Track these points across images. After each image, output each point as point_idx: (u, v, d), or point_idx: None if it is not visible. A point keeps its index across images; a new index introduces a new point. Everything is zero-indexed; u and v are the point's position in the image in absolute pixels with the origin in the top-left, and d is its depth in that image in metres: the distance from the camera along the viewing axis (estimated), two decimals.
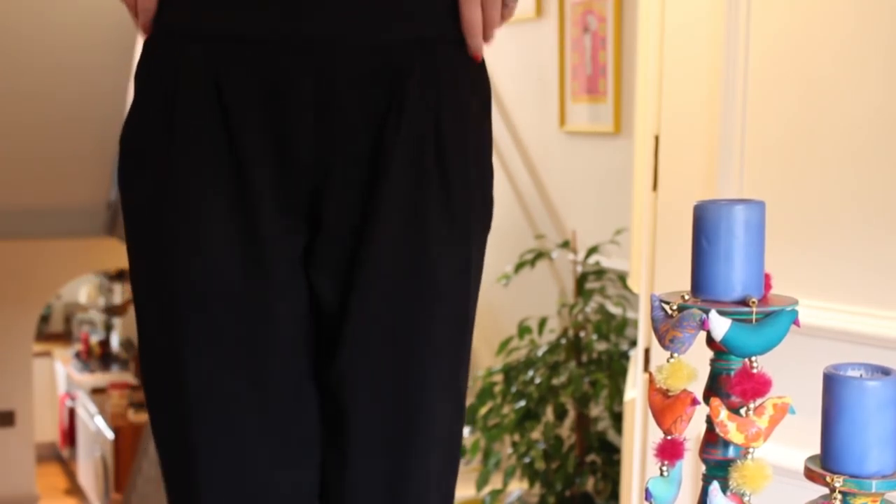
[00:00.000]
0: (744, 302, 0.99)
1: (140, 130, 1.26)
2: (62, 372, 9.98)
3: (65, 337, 10.74)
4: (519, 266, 3.50)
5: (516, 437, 3.32)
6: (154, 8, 1.25)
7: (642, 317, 2.32)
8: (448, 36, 1.28)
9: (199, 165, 1.22)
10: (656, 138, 2.20)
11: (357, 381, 1.26)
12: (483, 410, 3.38)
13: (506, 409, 3.37)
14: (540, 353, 3.37)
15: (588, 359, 3.30)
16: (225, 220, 1.22)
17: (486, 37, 1.29)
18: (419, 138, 1.24)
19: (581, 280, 3.40)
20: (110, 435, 8.33)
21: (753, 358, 0.97)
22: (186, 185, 1.22)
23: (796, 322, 0.99)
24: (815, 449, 0.98)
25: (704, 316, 0.97)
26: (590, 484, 3.30)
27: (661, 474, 1.01)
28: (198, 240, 1.22)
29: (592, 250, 3.39)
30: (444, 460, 1.30)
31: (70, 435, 9.72)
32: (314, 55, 1.21)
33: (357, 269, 1.24)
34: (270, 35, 1.21)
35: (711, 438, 1.01)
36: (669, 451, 1.00)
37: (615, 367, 3.18)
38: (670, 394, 1.00)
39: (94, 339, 10.17)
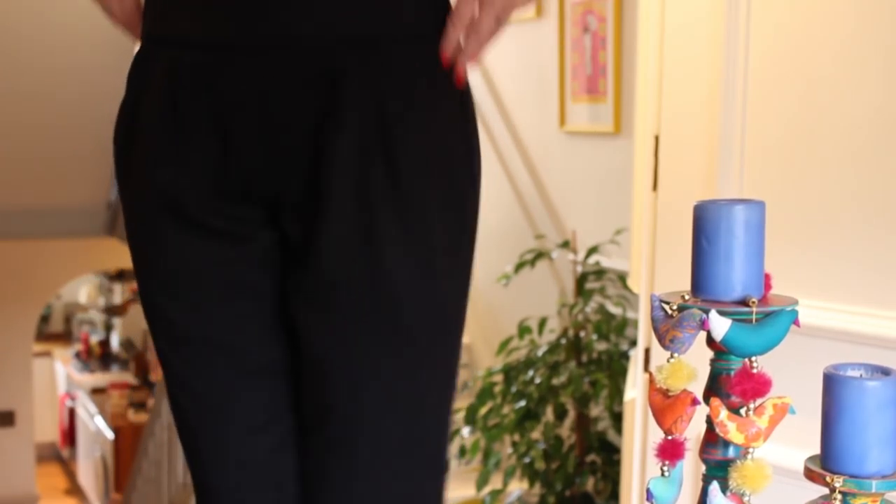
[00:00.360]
0: (744, 302, 0.99)
1: (118, 130, 1.34)
2: (62, 372, 9.98)
3: (65, 337, 10.75)
4: (519, 266, 3.50)
5: (516, 437, 3.32)
6: (135, 22, 1.31)
7: (642, 317, 2.32)
8: (399, 34, 1.22)
9: (156, 170, 1.27)
10: (656, 138, 2.20)
11: (314, 381, 1.27)
12: (483, 410, 3.38)
13: (506, 409, 3.37)
14: (540, 353, 3.37)
15: (588, 359, 3.30)
16: (182, 223, 1.26)
17: (472, 48, 1.24)
18: (362, 148, 1.19)
19: (581, 280, 3.40)
20: (110, 435, 8.33)
21: (753, 358, 0.97)
22: (145, 192, 1.28)
23: (796, 322, 0.99)
24: (815, 449, 0.98)
25: (704, 316, 0.97)
26: (590, 484, 3.30)
27: (662, 474, 1.01)
28: (163, 243, 1.28)
29: (592, 250, 3.39)
30: (401, 469, 1.27)
31: (70, 435, 9.72)
32: (251, 58, 1.20)
33: (313, 286, 1.23)
34: (213, 39, 1.21)
35: (711, 438, 1.01)
36: (670, 451, 1.00)
37: (615, 367, 3.18)
38: (670, 394, 1.00)
39: (94, 339, 10.17)
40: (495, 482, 3.42)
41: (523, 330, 3.39)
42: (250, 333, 1.28)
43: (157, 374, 8.57)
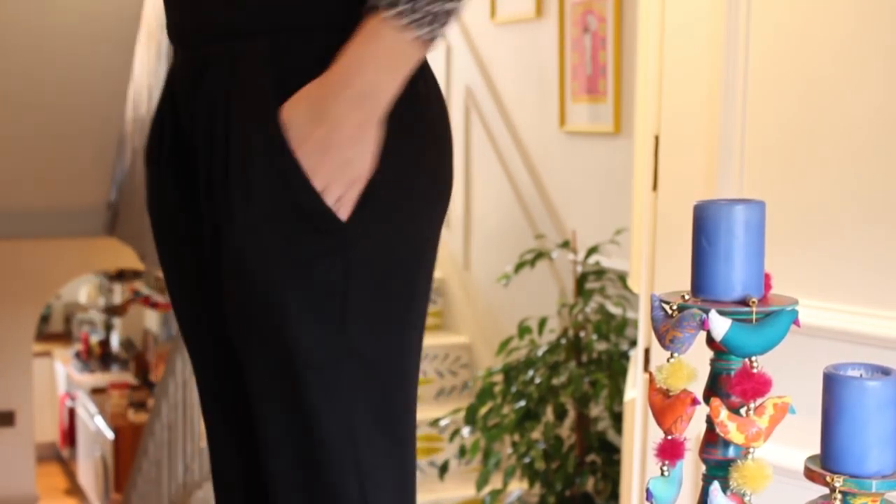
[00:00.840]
0: (744, 302, 0.99)
1: None
2: (62, 372, 9.99)
3: (65, 337, 10.75)
4: (519, 266, 3.50)
5: (516, 437, 3.32)
6: None
7: (642, 317, 2.32)
8: (255, 26, 1.18)
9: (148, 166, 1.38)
10: (656, 138, 2.20)
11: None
12: (483, 410, 3.38)
13: (506, 409, 3.37)
14: (540, 353, 3.37)
15: (588, 359, 3.30)
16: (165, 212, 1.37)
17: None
18: (206, 146, 1.20)
19: (581, 280, 3.40)
20: (110, 435, 8.34)
21: (753, 358, 0.97)
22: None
23: (796, 322, 0.99)
24: (815, 449, 0.98)
25: (704, 316, 0.97)
26: (590, 484, 3.30)
27: (662, 474, 1.01)
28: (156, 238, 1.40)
29: (592, 250, 3.39)
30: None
31: (70, 435, 9.72)
32: (177, 54, 1.30)
33: None
34: (174, 42, 1.32)
35: (711, 438, 1.02)
36: (670, 451, 1.00)
37: (615, 367, 3.18)
38: (670, 394, 1.00)
39: (94, 339, 10.17)
40: (495, 482, 3.42)
41: (523, 330, 3.39)
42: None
43: (156, 374, 8.58)
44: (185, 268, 1.33)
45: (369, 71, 1.11)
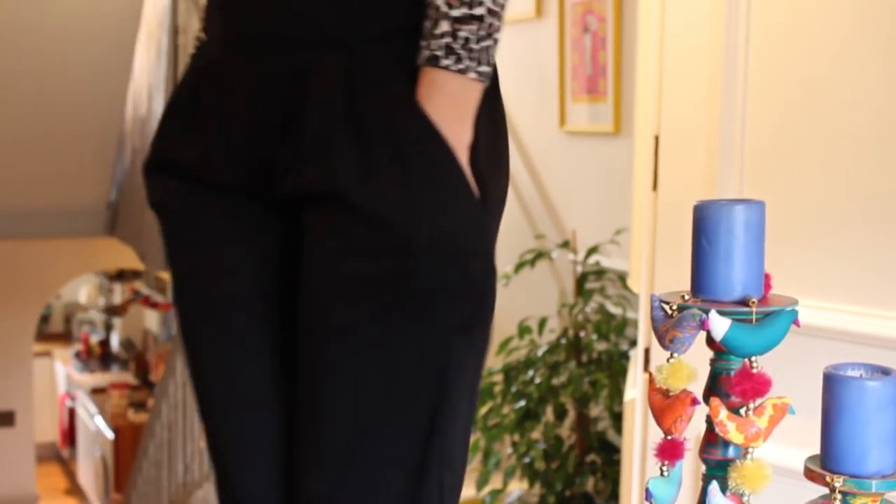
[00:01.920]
0: (744, 302, 0.99)
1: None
2: (62, 372, 9.99)
3: (65, 337, 10.75)
4: (519, 266, 3.50)
5: (516, 437, 3.32)
6: None
7: (642, 317, 2.32)
8: (368, 32, 1.20)
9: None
10: (656, 138, 2.20)
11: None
12: (483, 410, 3.38)
13: (506, 409, 3.37)
14: (540, 353, 3.37)
15: (588, 359, 3.30)
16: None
17: None
18: (319, 153, 1.19)
19: (581, 280, 3.40)
20: (110, 435, 8.34)
21: (753, 358, 0.97)
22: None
23: (796, 322, 0.99)
24: (815, 449, 0.98)
25: (704, 316, 0.97)
26: (590, 484, 3.30)
27: (662, 474, 1.01)
28: None
29: (592, 250, 3.39)
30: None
31: (70, 435, 9.72)
32: (243, 56, 1.26)
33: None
34: (222, 38, 1.30)
35: (711, 438, 1.02)
36: (669, 451, 1.01)
37: (615, 367, 3.18)
38: (670, 394, 1.00)
39: (94, 339, 10.17)
40: (495, 482, 3.42)
41: (523, 330, 3.39)
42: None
43: (156, 374, 8.58)
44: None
45: (445, 125, 1.16)
